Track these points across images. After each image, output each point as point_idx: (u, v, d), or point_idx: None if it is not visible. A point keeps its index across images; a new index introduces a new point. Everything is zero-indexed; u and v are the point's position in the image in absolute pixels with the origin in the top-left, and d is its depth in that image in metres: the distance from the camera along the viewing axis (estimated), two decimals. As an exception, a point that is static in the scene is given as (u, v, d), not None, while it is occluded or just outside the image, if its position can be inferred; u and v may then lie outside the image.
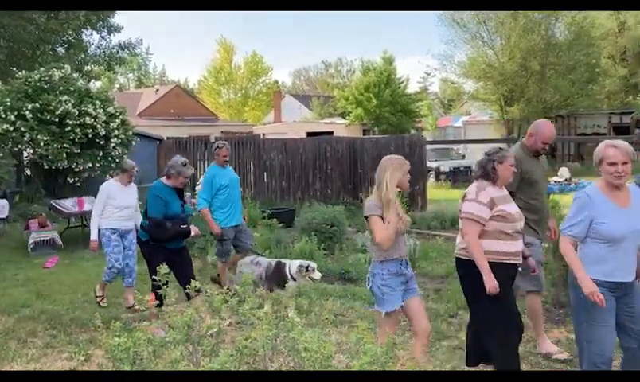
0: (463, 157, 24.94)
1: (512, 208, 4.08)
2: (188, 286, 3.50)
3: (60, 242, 9.90)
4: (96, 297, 6.61)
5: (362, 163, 13.30)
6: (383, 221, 4.03)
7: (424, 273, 7.64)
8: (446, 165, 21.67)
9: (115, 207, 6.37)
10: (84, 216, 10.62)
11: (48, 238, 9.86)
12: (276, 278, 6.03)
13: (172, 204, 5.43)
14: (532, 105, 27.25)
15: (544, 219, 5.05)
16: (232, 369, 2.67)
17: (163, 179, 5.54)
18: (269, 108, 51.07)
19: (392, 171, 4.21)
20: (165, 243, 5.40)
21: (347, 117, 34.69)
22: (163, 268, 4.00)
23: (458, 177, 21.21)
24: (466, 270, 4.09)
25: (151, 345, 2.89)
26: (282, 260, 6.24)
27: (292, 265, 5.99)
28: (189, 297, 4.78)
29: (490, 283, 3.83)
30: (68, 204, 10.67)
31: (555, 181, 18.83)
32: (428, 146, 16.64)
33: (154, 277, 4.15)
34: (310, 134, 25.72)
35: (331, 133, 29.13)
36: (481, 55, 29.13)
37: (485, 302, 3.94)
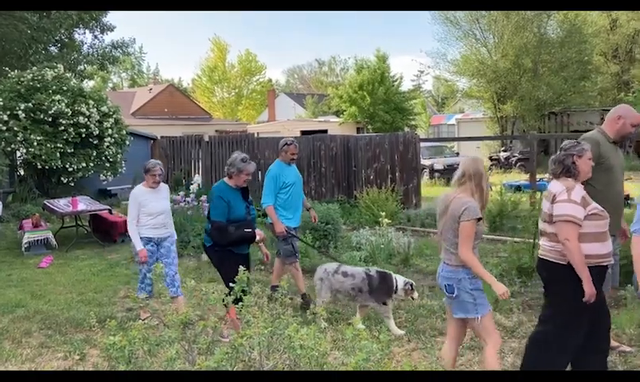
0: (457, 154, 25.00)
1: (597, 204, 3.81)
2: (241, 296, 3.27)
3: (54, 242, 9.88)
4: (142, 320, 5.12)
5: (356, 161, 13.30)
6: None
7: (419, 270, 7.66)
8: (439, 163, 21.70)
9: (147, 215, 5.79)
10: (78, 216, 10.60)
11: (42, 238, 9.82)
12: (385, 289, 5.42)
13: (235, 206, 5.04)
14: (525, 102, 27.37)
15: (619, 210, 4.81)
16: (228, 367, 2.67)
17: (226, 179, 5.16)
18: (263, 107, 51.00)
19: (485, 173, 3.85)
20: (232, 248, 5.02)
21: (341, 115, 34.69)
22: (242, 273, 3.90)
23: (452, 174, 21.20)
24: (556, 274, 3.81)
25: (147, 344, 2.90)
26: (384, 271, 5.69)
27: (399, 279, 5.49)
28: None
29: (590, 291, 3.59)
30: (62, 204, 10.64)
31: (547, 178, 18.87)
32: (422, 144, 16.67)
33: (230, 285, 3.96)
34: (304, 133, 25.70)
35: (325, 131, 29.12)
36: (474, 52, 29.23)
37: (571, 308, 3.71)
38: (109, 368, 2.82)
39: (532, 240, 6.52)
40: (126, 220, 10.47)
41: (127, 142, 15.13)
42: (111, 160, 14.46)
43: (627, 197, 12.50)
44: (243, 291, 3.29)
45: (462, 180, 3.84)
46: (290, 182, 6.36)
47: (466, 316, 3.77)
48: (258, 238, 5.16)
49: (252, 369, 2.96)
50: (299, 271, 6.43)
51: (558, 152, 3.99)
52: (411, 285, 5.46)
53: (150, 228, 5.80)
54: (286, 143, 6.52)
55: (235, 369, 2.73)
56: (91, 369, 2.89)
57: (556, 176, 3.96)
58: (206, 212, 5.92)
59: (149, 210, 5.79)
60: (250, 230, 5.09)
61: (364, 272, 5.55)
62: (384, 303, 5.40)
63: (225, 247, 5.00)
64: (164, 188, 6.08)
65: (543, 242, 3.96)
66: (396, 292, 5.39)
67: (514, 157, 25.10)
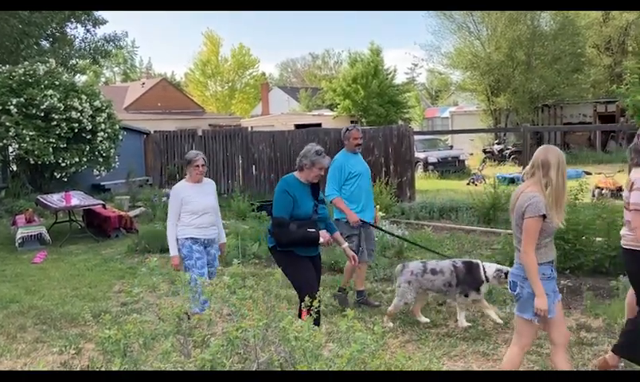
0: (451, 147, 25.05)
1: None
2: (304, 303, 3.17)
3: (48, 237, 9.85)
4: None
5: (350, 154, 13.30)
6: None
7: (413, 263, 7.68)
8: (433, 156, 21.75)
9: (191, 213, 5.15)
10: (72, 211, 10.57)
11: (35, 233, 9.80)
12: (470, 280, 5.22)
13: (302, 202, 4.47)
14: (519, 95, 27.44)
15: None
16: (224, 360, 2.68)
17: (296, 172, 4.61)
18: (257, 101, 50.90)
19: (563, 164, 3.46)
20: (295, 249, 4.49)
21: (335, 109, 34.66)
22: (310, 273, 3.89)
23: (446, 167, 21.31)
24: (636, 262, 3.80)
25: (142, 337, 2.90)
26: (471, 260, 5.44)
27: (488, 267, 5.24)
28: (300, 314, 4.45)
29: None
30: (55, 199, 10.61)
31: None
32: (416, 137, 16.70)
33: (304, 290, 3.81)
34: (298, 127, 25.69)
35: (319, 125, 29.12)
36: (467, 45, 29.26)
37: None
38: (104, 361, 2.83)
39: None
40: (119, 215, 10.64)
41: (120, 137, 15.08)
42: (104, 155, 14.41)
43: (620, 189, 12.62)
44: (311, 296, 3.13)
45: (532, 170, 3.50)
46: (356, 172, 5.84)
47: (521, 316, 3.57)
48: (322, 240, 4.55)
49: (247, 361, 2.97)
50: (362, 271, 6.05)
51: (636, 139, 3.86)
52: (506, 273, 5.00)
53: (195, 227, 5.17)
54: (347, 129, 5.98)
55: (230, 362, 2.74)
56: (87, 363, 2.90)
57: (634, 164, 3.87)
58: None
59: (193, 208, 5.14)
60: (313, 230, 4.49)
61: (452, 264, 5.33)
62: (466, 295, 5.24)
63: (286, 246, 4.48)
64: (210, 183, 5.48)
65: (623, 231, 3.92)
66: (487, 281, 5.20)
67: (508, 149, 25.18)
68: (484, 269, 5.22)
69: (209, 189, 5.40)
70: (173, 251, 5.16)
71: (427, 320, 5.45)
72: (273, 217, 4.52)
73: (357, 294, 5.99)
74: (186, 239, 5.13)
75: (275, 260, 4.73)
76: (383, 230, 6.87)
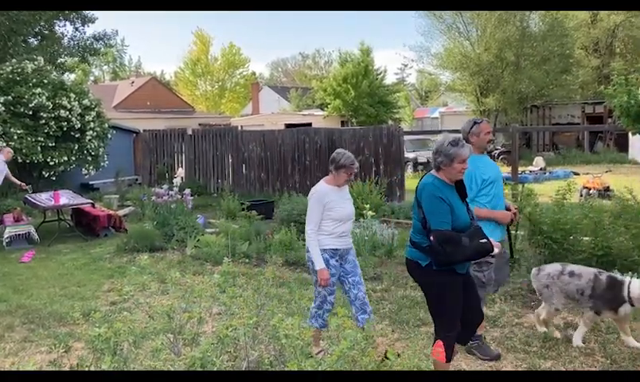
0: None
1: None
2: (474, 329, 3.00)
3: (36, 236, 9.79)
4: (316, 355, 3.76)
5: (340, 154, 13.32)
6: None
7: (402, 262, 7.69)
8: (423, 156, 21.82)
9: (333, 220, 4.48)
10: (60, 210, 10.51)
11: (23, 232, 9.73)
12: (608, 297, 4.63)
13: (457, 208, 3.70)
14: (508, 95, 27.62)
15: None
16: (214, 358, 2.69)
17: (434, 172, 3.85)
18: (247, 100, 50.82)
19: None
20: (455, 267, 3.73)
21: (325, 108, 34.68)
22: (459, 306, 3.40)
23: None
24: None
25: (132, 336, 2.90)
26: (617, 276, 4.78)
27: (635, 285, 4.56)
28: (465, 341, 4.17)
29: None
30: (44, 198, 10.53)
31: (530, 171, 19.14)
32: (406, 137, 16.77)
33: (444, 320, 3.56)
34: (288, 126, 25.67)
35: (309, 124, 29.12)
36: (457, 46, 29.40)
37: None
38: (94, 359, 2.82)
39: (513, 232, 6.60)
40: (108, 214, 10.59)
41: (109, 136, 15.01)
42: (93, 154, 14.34)
43: (607, 189, 12.75)
44: (452, 331, 2.99)
45: None
46: (489, 178, 4.59)
47: None
48: (496, 250, 3.78)
49: (238, 360, 2.98)
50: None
51: None
52: None
53: (337, 236, 4.52)
54: (476, 122, 4.73)
55: (220, 360, 2.75)
56: (76, 362, 2.89)
57: None
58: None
59: (337, 214, 4.50)
60: (485, 240, 3.66)
61: (594, 273, 4.75)
62: (598, 312, 4.71)
63: (450, 265, 3.67)
64: (346, 186, 4.78)
65: None
66: (631, 304, 4.54)
67: (497, 150, 25.32)
68: (629, 288, 4.56)
69: (348, 194, 4.75)
70: (320, 263, 4.42)
71: (558, 335, 4.99)
72: (436, 232, 3.58)
73: (475, 337, 4.54)
74: (325, 250, 4.48)
75: (419, 280, 3.95)
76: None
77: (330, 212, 4.46)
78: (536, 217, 6.27)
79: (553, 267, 5.01)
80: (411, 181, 17.31)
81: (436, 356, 3.70)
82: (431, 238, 3.58)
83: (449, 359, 3.71)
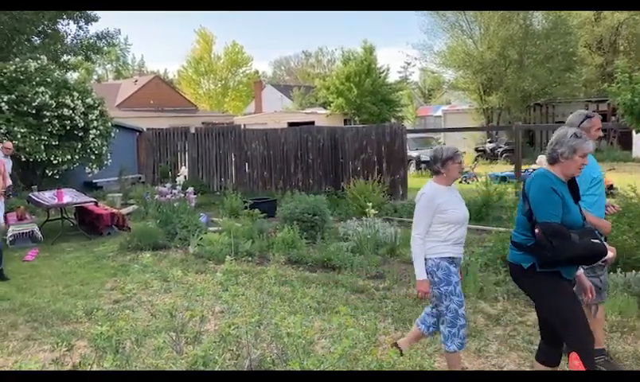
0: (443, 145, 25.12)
1: None
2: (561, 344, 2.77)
3: (39, 235, 9.81)
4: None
5: (343, 153, 13.33)
6: None
7: (405, 260, 7.71)
8: (426, 154, 21.81)
9: (446, 224, 3.98)
10: (64, 209, 10.53)
11: (27, 231, 9.75)
12: None
13: (570, 206, 3.37)
14: (511, 94, 27.56)
15: None
16: (216, 356, 2.69)
17: (546, 166, 3.53)
18: (250, 98, 50.81)
19: None
20: (561, 271, 3.36)
21: (328, 107, 34.66)
22: (579, 306, 3.06)
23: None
24: None
25: (134, 334, 2.91)
26: None
27: None
28: (556, 361, 3.66)
29: None
30: (47, 197, 10.56)
31: (533, 169, 19.09)
32: (409, 135, 16.74)
33: (569, 328, 3.23)
34: (291, 124, 25.65)
35: (312, 123, 29.09)
36: (460, 44, 29.35)
37: None
38: (96, 358, 2.83)
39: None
40: (111, 213, 10.61)
41: (113, 135, 15.05)
42: (96, 152, 14.38)
43: (611, 187, 12.71)
44: (586, 338, 2.78)
45: None
46: (599, 177, 4.26)
47: None
48: (610, 254, 3.41)
49: (240, 358, 2.98)
50: (602, 318, 4.46)
51: None
52: None
53: (452, 243, 4.00)
54: (588, 116, 4.35)
55: (222, 358, 2.75)
56: (79, 360, 2.90)
57: None
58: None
59: (451, 217, 3.99)
60: (597, 241, 3.30)
61: None
62: None
63: (554, 266, 3.32)
64: (455, 187, 4.26)
65: None
66: None
67: (500, 148, 25.29)
68: None
69: (459, 194, 4.22)
70: (422, 273, 3.98)
71: None
72: (543, 224, 3.26)
73: (596, 352, 4.08)
74: (442, 258, 3.96)
75: (523, 286, 3.62)
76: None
77: (443, 214, 3.97)
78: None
79: None
80: (413, 180, 17.36)
81: (579, 366, 3.27)
82: (536, 230, 3.28)
83: (591, 367, 3.30)
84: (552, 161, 3.45)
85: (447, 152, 4.06)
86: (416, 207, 4.11)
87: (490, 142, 27.07)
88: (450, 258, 3.96)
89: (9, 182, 10.03)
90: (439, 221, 3.97)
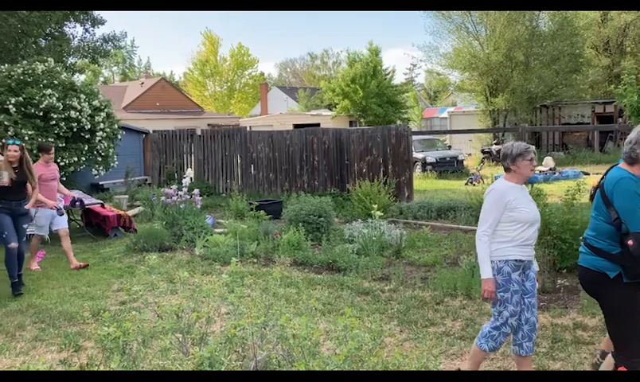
0: (449, 147, 25.09)
1: None
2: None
3: (47, 236, 9.84)
4: None
5: (349, 154, 13.33)
6: None
7: (411, 262, 7.72)
8: (432, 156, 21.79)
9: (517, 222, 3.77)
10: (71, 210, 10.58)
11: (34, 232, 9.78)
12: None
13: None
14: (517, 95, 27.48)
15: None
16: (222, 357, 2.71)
17: (624, 165, 3.39)
18: (255, 100, 50.96)
19: None
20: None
21: (333, 109, 34.70)
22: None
23: (444, 167, 21.36)
24: None
25: (141, 335, 2.93)
26: None
27: None
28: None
29: None
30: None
31: (539, 171, 19.05)
32: (414, 137, 16.75)
33: (631, 344, 3.18)
34: (296, 126, 25.70)
35: (318, 125, 29.15)
36: (466, 46, 29.29)
37: None
38: (103, 358, 2.85)
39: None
40: (118, 214, 10.65)
41: (119, 137, 15.09)
42: (103, 154, 14.42)
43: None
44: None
45: None
46: None
47: None
48: None
49: (246, 359, 2.99)
50: None
51: None
52: None
53: (520, 244, 3.78)
54: None
55: (228, 359, 2.76)
56: (86, 361, 2.92)
57: None
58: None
59: (521, 216, 3.78)
60: None
61: None
62: None
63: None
64: (525, 186, 4.07)
65: None
66: None
67: (506, 150, 25.18)
68: None
69: (529, 194, 4.01)
70: (488, 271, 3.77)
71: None
72: (635, 234, 3.14)
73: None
74: (506, 262, 3.77)
75: (602, 294, 3.41)
76: None
77: (513, 212, 3.76)
78: (545, 218, 6.24)
79: None
80: (419, 182, 17.36)
81: None
82: (630, 242, 3.11)
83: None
84: (632, 161, 3.30)
85: (518, 148, 3.87)
86: (484, 203, 3.91)
87: (496, 143, 27.00)
88: (516, 262, 3.77)
89: (74, 193, 9.82)
90: (507, 219, 3.78)
